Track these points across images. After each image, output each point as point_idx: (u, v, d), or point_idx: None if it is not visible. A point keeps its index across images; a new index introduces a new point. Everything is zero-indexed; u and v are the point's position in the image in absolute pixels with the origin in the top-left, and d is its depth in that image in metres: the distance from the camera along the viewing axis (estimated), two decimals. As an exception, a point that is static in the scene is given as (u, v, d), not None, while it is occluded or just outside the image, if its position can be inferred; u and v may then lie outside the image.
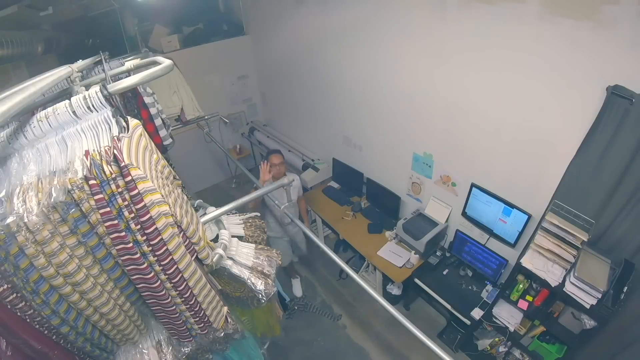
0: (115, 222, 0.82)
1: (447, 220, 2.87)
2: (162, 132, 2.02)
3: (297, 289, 3.46)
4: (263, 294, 1.22)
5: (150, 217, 0.84)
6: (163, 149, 2.05)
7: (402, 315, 1.14)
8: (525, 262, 1.97)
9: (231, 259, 1.21)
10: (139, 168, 0.81)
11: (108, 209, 0.80)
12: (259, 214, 1.49)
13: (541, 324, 2.14)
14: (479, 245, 2.63)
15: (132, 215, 0.83)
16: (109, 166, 0.77)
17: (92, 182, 0.77)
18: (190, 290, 1.00)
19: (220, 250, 1.13)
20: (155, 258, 0.89)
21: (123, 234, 0.84)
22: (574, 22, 1.67)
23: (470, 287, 2.69)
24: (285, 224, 2.93)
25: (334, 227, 3.43)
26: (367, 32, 2.81)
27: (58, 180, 0.77)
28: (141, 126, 0.91)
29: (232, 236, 1.29)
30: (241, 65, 4.72)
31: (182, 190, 1.22)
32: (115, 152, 0.78)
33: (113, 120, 0.85)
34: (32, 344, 0.89)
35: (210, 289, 1.09)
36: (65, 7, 2.89)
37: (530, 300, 2.13)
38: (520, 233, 2.35)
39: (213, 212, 1.31)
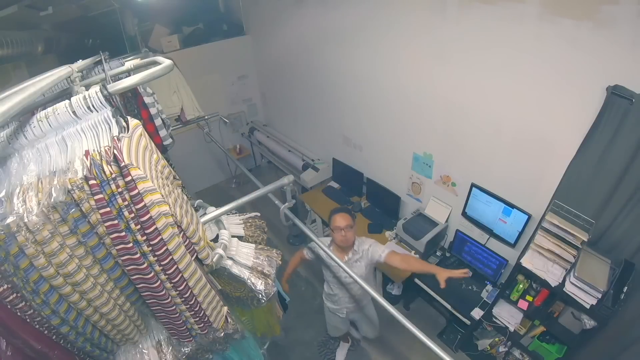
0: (115, 222, 0.82)
1: (447, 220, 2.87)
2: (162, 132, 2.02)
3: (341, 356, 2.82)
4: (263, 294, 1.22)
5: (150, 217, 0.84)
6: (163, 149, 2.04)
7: (402, 315, 1.13)
8: (525, 262, 1.97)
9: (231, 259, 1.21)
10: (139, 168, 0.81)
11: (108, 209, 0.80)
12: (258, 214, 1.49)
13: (541, 324, 2.14)
14: (479, 245, 2.63)
15: (132, 215, 0.83)
16: (109, 166, 0.77)
17: (92, 182, 0.76)
18: (190, 290, 1.00)
19: (220, 250, 1.12)
20: (155, 258, 0.89)
21: (123, 234, 0.84)
22: (574, 22, 1.67)
23: (470, 287, 2.69)
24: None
25: (334, 227, 3.42)
26: (367, 32, 2.81)
27: (58, 180, 0.77)
28: (141, 126, 0.91)
29: (232, 236, 1.29)
30: (241, 65, 4.72)
31: (182, 190, 1.22)
32: (115, 152, 0.77)
33: (113, 120, 0.84)
34: (32, 344, 0.89)
35: (210, 289, 1.09)
36: (65, 7, 2.89)
37: (530, 300, 2.13)
38: (520, 233, 2.35)
39: (213, 212, 1.31)
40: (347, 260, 2.06)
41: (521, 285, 2.16)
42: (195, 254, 1.01)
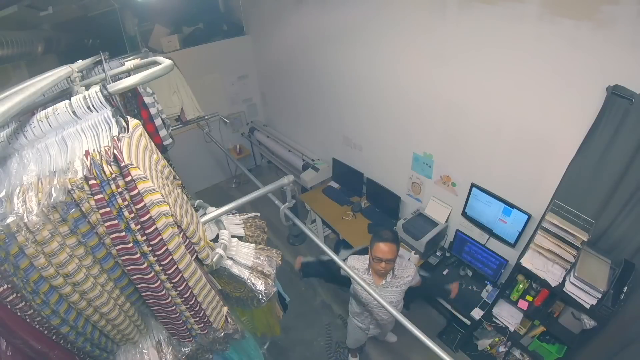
0: (115, 222, 0.82)
1: (447, 220, 2.87)
2: (162, 132, 2.02)
3: None
4: (263, 294, 1.22)
5: (150, 217, 0.83)
6: (163, 149, 2.04)
7: (402, 315, 1.14)
8: (525, 262, 1.97)
9: (231, 259, 1.21)
10: (139, 168, 0.81)
11: (108, 209, 0.80)
12: (258, 214, 1.49)
13: (541, 324, 2.14)
14: (479, 245, 2.63)
15: (132, 215, 0.82)
16: (109, 166, 0.77)
17: (92, 182, 0.76)
18: (190, 290, 1.00)
19: (220, 250, 1.12)
20: (155, 258, 0.89)
21: (123, 234, 0.84)
22: (574, 22, 1.67)
23: (470, 287, 2.69)
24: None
25: (334, 227, 3.43)
26: (368, 32, 2.81)
27: (58, 180, 0.77)
28: (141, 126, 0.91)
29: (232, 236, 1.29)
30: (241, 65, 4.72)
31: (182, 190, 1.21)
32: (115, 152, 0.77)
33: (113, 120, 0.84)
34: (32, 344, 0.89)
35: (210, 289, 1.09)
36: (65, 7, 2.89)
37: (530, 300, 2.14)
38: (520, 233, 2.35)
39: (213, 212, 1.31)
40: (383, 284, 1.93)
41: (521, 285, 2.15)
42: (195, 254, 1.01)
